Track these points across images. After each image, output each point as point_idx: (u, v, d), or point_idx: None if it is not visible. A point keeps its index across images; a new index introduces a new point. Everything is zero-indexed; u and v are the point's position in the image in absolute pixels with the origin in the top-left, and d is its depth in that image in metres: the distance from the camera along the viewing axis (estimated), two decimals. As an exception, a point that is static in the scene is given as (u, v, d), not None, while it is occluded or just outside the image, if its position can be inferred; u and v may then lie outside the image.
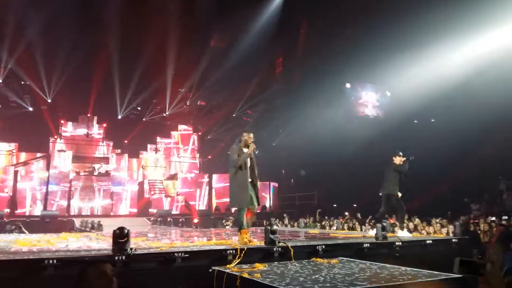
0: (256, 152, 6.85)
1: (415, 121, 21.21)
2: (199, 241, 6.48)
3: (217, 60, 19.56)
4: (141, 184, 19.68)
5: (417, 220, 11.08)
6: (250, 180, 6.24)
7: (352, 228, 11.76)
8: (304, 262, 4.99)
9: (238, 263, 4.81)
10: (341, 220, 12.00)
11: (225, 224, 14.18)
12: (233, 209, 12.94)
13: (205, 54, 19.69)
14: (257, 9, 19.33)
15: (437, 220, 10.76)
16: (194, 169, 21.45)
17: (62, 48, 17.20)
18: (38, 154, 18.28)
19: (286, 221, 13.62)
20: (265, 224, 5.95)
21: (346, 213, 14.53)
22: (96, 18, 17.78)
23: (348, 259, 5.25)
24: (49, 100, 19.33)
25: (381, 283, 3.66)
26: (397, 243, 6.20)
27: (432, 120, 20.93)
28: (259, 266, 4.60)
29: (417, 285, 3.69)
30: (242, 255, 4.94)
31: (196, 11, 18.68)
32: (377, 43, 18.02)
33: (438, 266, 4.33)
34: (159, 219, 14.46)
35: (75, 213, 17.18)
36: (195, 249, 4.97)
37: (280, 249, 5.19)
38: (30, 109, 19.36)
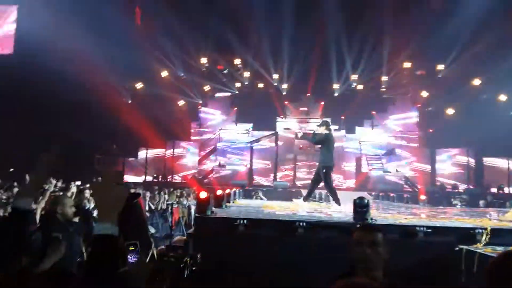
0: None
1: None
2: (438, 218, 6.17)
3: (438, 23, 17.60)
4: (358, 160, 20.00)
5: None
6: None
7: None
8: None
9: (488, 244, 4.39)
10: None
11: (453, 202, 13.06)
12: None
13: (423, 18, 18.02)
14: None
15: None
16: (414, 143, 20.41)
17: (284, 35, 18.86)
18: (268, 132, 20.89)
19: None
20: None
21: None
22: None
23: None
24: (275, 84, 21.57)
25: None
26: None
27: None
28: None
29: None
30: (492, 235, 4.47)
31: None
32: None
33: None
34: (381, 194, 14.43)
35: (299, 184, 18.90)
36: (438, 225, 4.77)
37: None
38: (260, 93, 22.08)
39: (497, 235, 4.52)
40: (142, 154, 19.68)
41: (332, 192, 7.78)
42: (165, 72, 21.11)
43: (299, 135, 9.06)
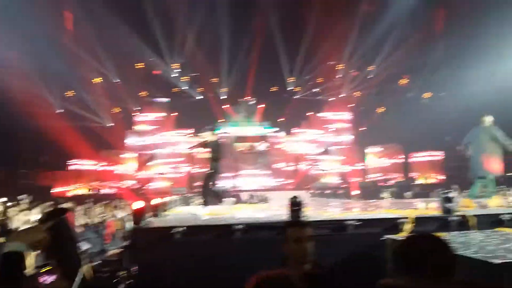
0: None
1: None
2: (368, 210, 6.51)
3: (369, 26, 18.64)
4: (297, 159, 20.56)
5: None
6: None
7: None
8: (488, 232, 4.58)
9: (411, 232, 4.71)
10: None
11: (383, 195, 13.83)
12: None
13: (355, 22, 18.98)
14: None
15: None
16: (348, 141, 21.37)
17: (221, 40, 18.96)
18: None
19: (457, 192, 12.51)
20: (439, 192, 5.61)
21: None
22: (245, 5, 18.94)
23: (541, 230, 4.61)
24: (214, 88, 21.54)
25: None
26: None
27: None
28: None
29: None
30: (415, 223, 4.81)
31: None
32: None
33: None
34: (317, 192, 14.95)
35: (240, 188, 19.00)
36: (367, 217, 5.04)
37: (458, 218, 4.87)
38: (200, 98, 21.90)
39: (420, 223, 4.86)
40: (74, 166, 18.63)
41: (205, 196, 7.79)
42: (98, 79, 20.24)
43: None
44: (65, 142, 16.48)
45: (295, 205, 4.97)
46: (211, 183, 7.67)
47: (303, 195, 14.54)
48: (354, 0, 19.09)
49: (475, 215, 4.88)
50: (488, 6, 16.25)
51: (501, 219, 4.96)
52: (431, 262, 1.66)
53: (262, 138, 20.91)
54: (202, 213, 6.99)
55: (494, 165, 7.75)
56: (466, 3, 17.43)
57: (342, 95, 22.37)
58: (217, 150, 7.63)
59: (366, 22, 18.92)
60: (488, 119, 8.05)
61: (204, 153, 7.80)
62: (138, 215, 5.41)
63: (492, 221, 4.93)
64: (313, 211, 6.67)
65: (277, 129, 21.38)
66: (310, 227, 2.95)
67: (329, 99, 22.36)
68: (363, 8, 19.28)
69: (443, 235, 4.44)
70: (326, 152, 20.50)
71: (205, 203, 7.54)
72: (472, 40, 17.24)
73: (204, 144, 7.82)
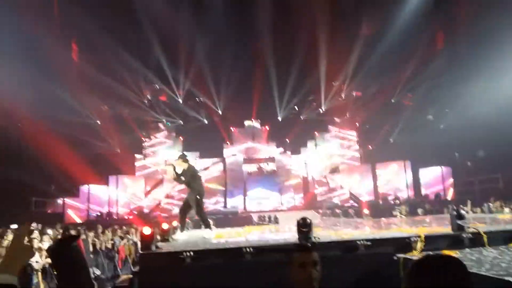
0: None
1: None
2: (379, 230, 6.44)
3: (370, 46, 18.83)
4: (305, 179, 20.49)
5: None
6: None
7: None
8: (501, 248, 4.51)
9: (423, 250, 4.66)
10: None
11: (394, 213, 13.67)
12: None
13: (356, 43, 19.20)
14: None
15: None
16: (355, 160, 21.27)
17: (225, 64, 19.23)
18: (215, 160, 20.87)
19: (468, 208, 12.34)
20: (450, 209, 5.55)
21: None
22: (248, 28, 19.29)
23: (558, 246, 4.53)
24: (220, 112, 21.73)
25: None
26: None
27: None
28: (449, 253, 4.35)
29: None
30: (426, 242, 4.75)
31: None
32: None
33: None
34: (328, 211, 14.81)
35: (250, 209, 18.94)
36: (377, 237, 4.98)
37: (470, 235, 4.80)
38: (206, 121, 22.11)
39: (431, 241, 4.80)
40: (84, 192, 18.71)
41: (204, 220, 7.74)
42: (105, 107, 20.55)
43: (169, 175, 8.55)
44: (74, 169, 16.62)
45: (304, 227, 4.94)
46: (201, 206, 7.61)
47: (313, 215, 14.49)
48: (356, 22, 19.32)
49: (487, 232, 4.81)
50: (488, 24, 16.37)
51: (514, 235, 4.88)
52: (447, 283, 1.63)
53: (269, 158, 20.93)
54: (211, 236, 6.97)
55: None
56: (466, 21, 17.61)
57: (347, 114, 22.39)
58: (189, 176, 7.54)
59: (369, 43, 19.09)
60: None
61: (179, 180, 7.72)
62: (147, 240, 5.41)
63: (504, 237, 4.85)
64: (323, 232, 6.62)
65: (282, 149, 21.41)
66: (316, 251, 2.90)
67: (335, 119, 22.41)
68: (365, 30, 19.50)
69: (455, 252, 4.39)
70: (334, 170, 20.42)
71: (209, 227, 7.51)
72: (473, 57, 17.30)
73: (177, 175, 7.71)
